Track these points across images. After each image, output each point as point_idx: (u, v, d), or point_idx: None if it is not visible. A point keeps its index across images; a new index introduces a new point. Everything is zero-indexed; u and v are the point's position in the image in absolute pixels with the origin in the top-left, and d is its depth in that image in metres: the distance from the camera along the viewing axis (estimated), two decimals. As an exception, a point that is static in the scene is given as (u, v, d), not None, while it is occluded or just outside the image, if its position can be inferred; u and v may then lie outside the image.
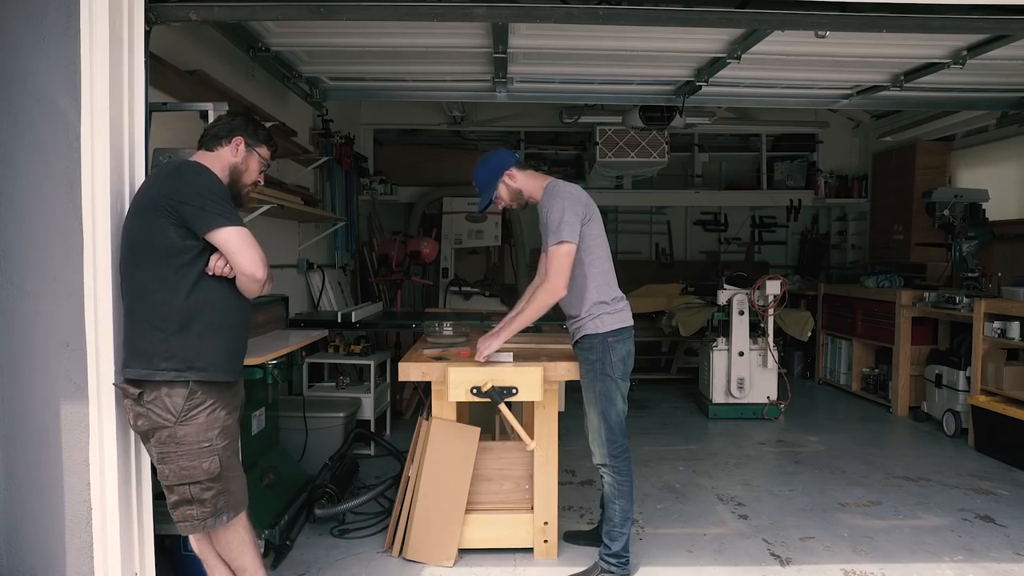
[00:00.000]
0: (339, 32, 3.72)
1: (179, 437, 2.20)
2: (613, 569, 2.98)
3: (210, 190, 2.19)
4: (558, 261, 2.88)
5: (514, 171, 3.06)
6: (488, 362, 3.05)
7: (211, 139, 2.40)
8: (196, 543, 2.42)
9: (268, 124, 3.97)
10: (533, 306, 2.95)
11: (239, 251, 2.17)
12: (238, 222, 2.20)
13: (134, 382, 2.21)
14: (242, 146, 2.41)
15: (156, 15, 2.60)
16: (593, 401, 2.97)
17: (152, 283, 2.18)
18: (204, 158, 2.37)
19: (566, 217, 2.86)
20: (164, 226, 2.15)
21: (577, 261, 2.92)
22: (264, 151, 2.49)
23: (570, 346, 3.17)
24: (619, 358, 2.95)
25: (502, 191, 3.08)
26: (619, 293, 3.04)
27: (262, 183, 2.56)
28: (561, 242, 2.86)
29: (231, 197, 2.33)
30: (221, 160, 2.38)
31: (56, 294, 2.37)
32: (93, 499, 2.38)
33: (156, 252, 2.17)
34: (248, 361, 2.92)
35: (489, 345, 3.03)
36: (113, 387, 2.36)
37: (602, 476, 3.07)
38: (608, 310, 2.96)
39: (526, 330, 3.12)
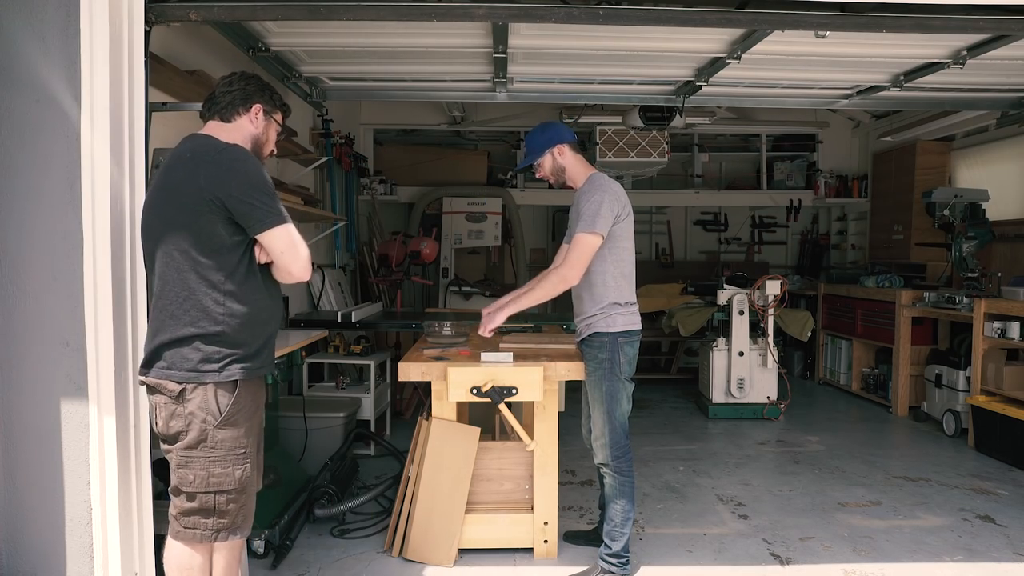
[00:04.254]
0: (339, 32, 3.72)
1: (217, 441, 2.05)
2: (613, 569, 2.98)
3: (259, 183, 2.03)
4: (579, 249, 2.87)
5: (565, 148, 3.06)
6: (488, 362, 3.05)
7: (226, 107, 2.18)
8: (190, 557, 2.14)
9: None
10: (543, 286, 2.93)
11: (287, 251, 2.06)
12: (285, 218, 2.06)
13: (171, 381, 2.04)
14: (261, 114, 2.22)
15: (156, 15, 2.60)
16: (600, 400, 2.96)
17: (192, 276, 2.02)
18: (223, 131, 2.17)
19: (602, 210, 2.85)
20: (212, 221, 2.00)
21: (600, 257, 2.91)
22: (280, 117, 2.30)
23: (572, 346, 3.17)
24: (627, 359, 2.95)
25: (546, 161, 3.08)
26: (633, 299, 3.03)
27: (276, 153, 2.39)
28: (589, 231, 2.85)
29: None
30: (242, 132, 2.19)
31: (56, 294, 2.37)
32: (93, 499, 2.38)
33: (202, 246, 2.01)
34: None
35: (493, 319, 3.02)
36: (141, 383, 2.14)
37: (603, 476, 3.06)
38: (621, 311, 2.95)
39: (526, 330, 3.11)
